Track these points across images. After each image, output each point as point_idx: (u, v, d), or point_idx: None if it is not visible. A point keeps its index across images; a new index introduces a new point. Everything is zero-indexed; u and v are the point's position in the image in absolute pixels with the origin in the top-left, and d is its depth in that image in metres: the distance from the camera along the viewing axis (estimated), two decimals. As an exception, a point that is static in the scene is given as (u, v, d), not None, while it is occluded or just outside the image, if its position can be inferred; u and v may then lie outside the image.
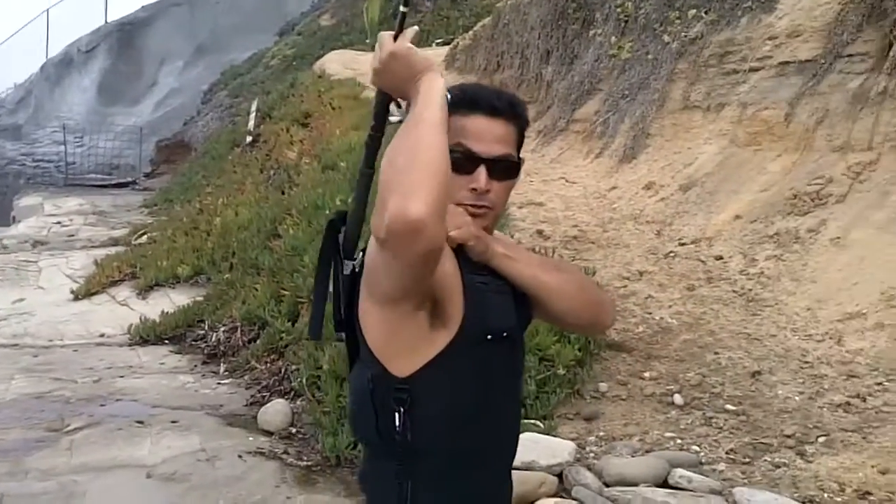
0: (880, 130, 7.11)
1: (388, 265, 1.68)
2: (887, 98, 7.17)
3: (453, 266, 1.83)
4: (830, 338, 5.90)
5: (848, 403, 5.18)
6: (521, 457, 4.74)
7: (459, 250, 1.87)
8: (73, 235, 15.39)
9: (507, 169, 1.95)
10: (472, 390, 1.87)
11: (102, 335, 8.92)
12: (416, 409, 1.82)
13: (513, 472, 4.49)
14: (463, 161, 1.88)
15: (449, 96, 1.85)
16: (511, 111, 1.97)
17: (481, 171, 1.91)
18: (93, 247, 13.91)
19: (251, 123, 15.68)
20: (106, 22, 35.26)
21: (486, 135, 1.92)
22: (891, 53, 7.34)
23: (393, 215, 1.56)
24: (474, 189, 1.90)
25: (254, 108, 16.36)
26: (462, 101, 1.92)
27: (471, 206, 1.91)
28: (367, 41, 18.79)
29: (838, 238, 6.69)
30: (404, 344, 1.82)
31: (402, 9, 1.87)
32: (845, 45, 7.83)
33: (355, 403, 1.94)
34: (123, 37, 34.05)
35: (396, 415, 1.82)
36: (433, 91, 1.75)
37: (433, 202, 1.57)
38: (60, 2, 35.23)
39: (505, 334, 1.90)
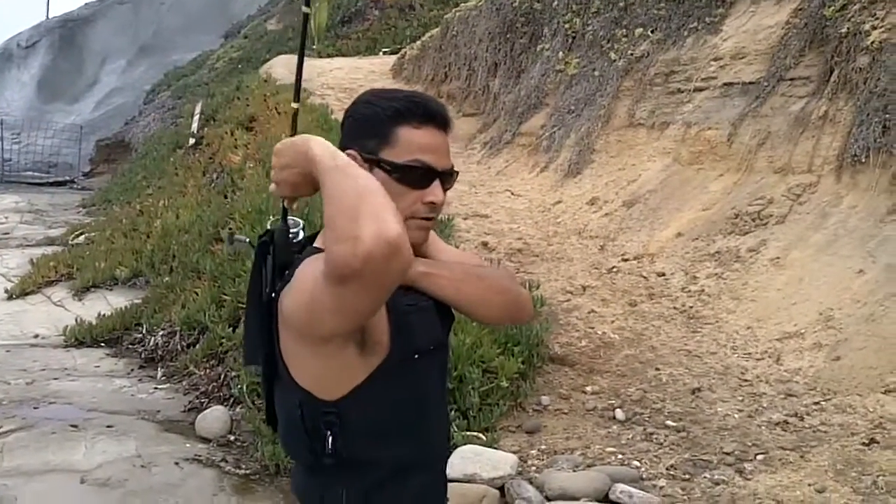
0: (820, 154, 7.25)
1: (351, 298, 1.63)
2: (828, 122, 7.32)
3: None
4: (769, 356, 6.00)
5: (786, 422, 5.25)
6: (462, 469, 4.74)
7: None
8: (8, 234, 15.09)
9: (452, 179, 1.97)
10: (402, 406, 1.89)
11: (37, 336, 8.71)
12: (346, 429, 1.84)
13: (455, 484, 4.48)
14: (419, 177, 1.88)
15: (394, 108, 1.88)
16: (449, 122, 1.98)
17: (437, 185, 1.91)
18: (28, 246, 13.65)
19: (195, 126, 15.51)
20: (48, 17, 34.76)
21: (440, 148, 1.92)
22: (832, 78, 7.50)
23: (371, 239, 1.53)
24: (432, 202, 1.90)
25: (198, 110, 16.19)
26: (415, 112, 1.89)
27: (424, 218, 1.92)
28: (314, 47, 18.72)
29: (778, 258, 6.80)
30: (332, 375, 1.82)
31: (294, 105, 1.93)
32: (788, 69, 7.99)
33: (286, 427, 1.94)
34: (65, 33, 33.59)
35: (328, 436, 1.84)
36: (325, 147, 1.73)
37: (399, 222, 1.57)
38: (1, -5, 34.63)
39: (432, 347, 1.93)
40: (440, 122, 1.92)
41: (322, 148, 1.72)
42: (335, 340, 1.76)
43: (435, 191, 1.90)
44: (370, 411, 1.85)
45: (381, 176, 1.83)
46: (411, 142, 1.87)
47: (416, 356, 1.88)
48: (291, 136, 1.88)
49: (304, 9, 1.91)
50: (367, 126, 1.90)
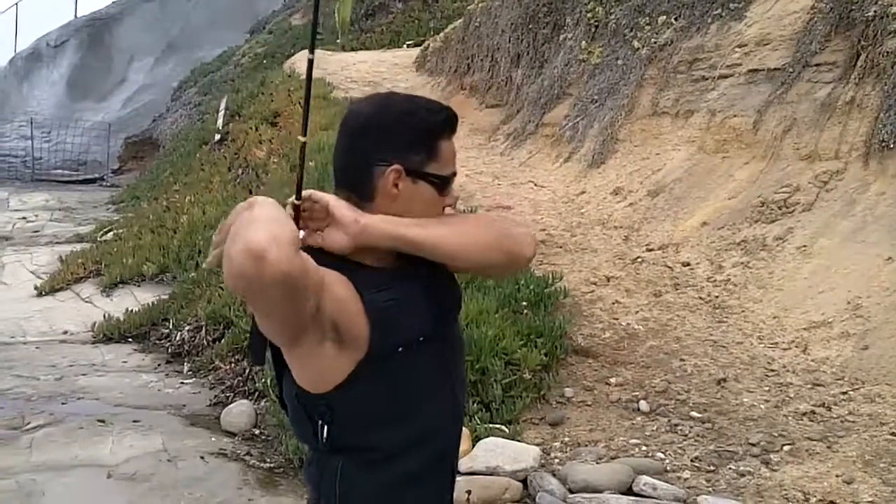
0: (847, 140, 7.15)
1: (262, 312, 1.73)
2: (855, 108, 7.22)
3: (347, 290, 1.83)
4: (796, 346, 5.93)
5: (813, 412, 5.20)
6: (485, 461, 4.74)
7: (354, 274, 1.86)
8: (38, 231, 15.20)
9: None
10: (390, 398, 1.92)
11: (65, 332, 8.80)
12: (337, 419, 1.89)
13: (478, 477, 4.44)
14: (447, 183, 1.99)
15: (438, 122, 1.96)
16: None
17: (452, 188, 2.02)
18: (58, 243, 13.74)
19: (220, 121, 15.56)
20: (76, 16, 34.97)
21: (454, 154, 2.04)
22: (858, 63, 7.40)
23: (236, 252, 1.60)
24: (450, 205, 2.02)
25: (223, 106, 16.24)
26: (451, 125, 1.99)
27: None
28: (338, 41, 18.74)
29: (805, 246, 6.72)
30: (316, 373, 1.87)
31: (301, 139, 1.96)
32: (814, 55, 7.88)
33: (292, 414, 2.01)
34: (93, 32, 33.76)
35: (320, 425, 1.90)
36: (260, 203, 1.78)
37: (269, 231, 1.61)
38: (30, -5, 34.90)
39: (421, 339, 1.93)
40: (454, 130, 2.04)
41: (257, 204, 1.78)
42: (304, 341, 1.80)
43: (453, 193, 2.03)
44: (358, 403, 1.89)
45: (426, 189, 1.94)
46: (448, 154, 1.98)
47: (400, 349, 1.88)
48: (300, 166, 1.94)
49: (309, 55, 1.96)
50: (413, 139, 1.93)
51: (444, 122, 1.96)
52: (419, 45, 15.97)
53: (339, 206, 1.89)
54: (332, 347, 1.81)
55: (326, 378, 1.86)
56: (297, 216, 1.88)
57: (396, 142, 1.91)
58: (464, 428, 4.91)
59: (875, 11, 7.37)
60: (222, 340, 7.39)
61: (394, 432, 1.93)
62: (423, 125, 1.93)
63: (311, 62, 1.94)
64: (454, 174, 2.00)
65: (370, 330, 1.83)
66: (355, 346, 1.83)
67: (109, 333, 8.50)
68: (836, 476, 4.52)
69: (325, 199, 1.91)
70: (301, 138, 1.95)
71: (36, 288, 10.50)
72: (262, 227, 1.61)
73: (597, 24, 10.90)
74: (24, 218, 16.67)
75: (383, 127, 1.94)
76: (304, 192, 1.89)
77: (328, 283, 1.78)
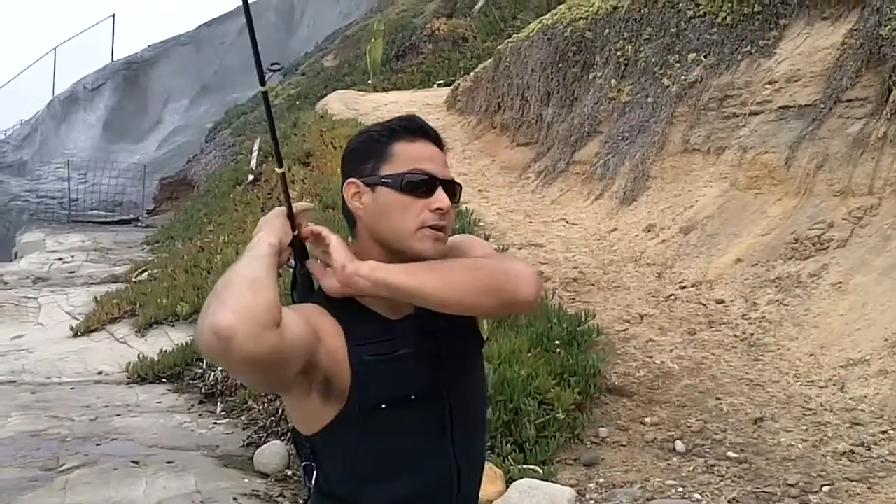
0: (881, 175, 7.10)
1: (240, 379, 1.77)
2: (887, 143, 7.18)
3: (339, 342, 1.83)
4: (833, 384, 5.86)
5: (852, 452, 5.12)
6: (519, 503, 4.69)
7: (348, 325, 1.85)
8: (74, 272, 15.36)
9: (455, 192, 1.98)
10: (369, 454, 1.88)
11: (100, 373, 8.86)
12: (321, 464, 1.90)
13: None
14: (422, 184, 1.91)
15: (388, 128, 1.95)
16: (443, 140, 2.02)
17: (441, 192, 1.92)
18: (93, 283, 13.88)
19: (253, 162, 15.72)
20: (112, 60, 35.55)
21: (437, 158, 1.96)
22: (890, 98, 7.36)
23: (205, 329, 1.56)
24: (439, 209, 1.90)
25: (256, 146, 16.40)
26: (407, 128, 1.95)
27: (434, 227, 1.92)
28: (370, 82, 18.92)
29: (840, 283, 6.66)
30: (302, 415, 1.89)
31: (278, 170, 2.07)
32: (845, 90, 7.85)
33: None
34: (129, 75, 34.33)
35: (306, 466, 1.92)
36: (255, 239, 1.88)
37: (241, 309, 1.57)
38: (68, 40, 35.54)
39: (413, 397, 1.88)
40: (433, 136, 1.97)
41: (255, 240, 1.85)
42: (293, 390, 1.81)
43: (440, 197, 1.92)
44: (338, 454, 1.88)
45: (385, 193, 1.90)
46: (408, 154, 1.92)
47: (384, 406, 1.85)
48: (285, 197, 1.97)
49: (261, 88, 1.99)
50: (363, 152, 1.95)
51: (393, 127, 1.94)
52: (449, 85, 16.07)
53: (335, 250, 1.90)
54: (318, 398, 1.82)
55: (311, 422, 1.88)
56: (298, 248, 1.96)
57: (354, 159, 1.97)
58: (497, 469, 4.89)
59: (906, 47, 7.34)
60: (255, 380, 7.40)
61: (374, 490, 1.88)
62: (371, 137, 1.96)
63: (265, 94, 2.00)
64: (425, 173, 1.90)
65: (351, 384, 1.82)
66: (340, 398, 1.82)
67: (143, 374, 8.55)
68: (877, 518, 4.45)
69: (329, 239, 1.92)
70: (278, 170, 2.01)
71: (71, 328, 10.60)
72: (231, 302, 1.58)
73: (626, 62, 10.93)
74: (60, 259, 16.86)
75: (346, 155, 2.00)
76: (318, 228, 1.96)
77: (323, 336, 1.78)
